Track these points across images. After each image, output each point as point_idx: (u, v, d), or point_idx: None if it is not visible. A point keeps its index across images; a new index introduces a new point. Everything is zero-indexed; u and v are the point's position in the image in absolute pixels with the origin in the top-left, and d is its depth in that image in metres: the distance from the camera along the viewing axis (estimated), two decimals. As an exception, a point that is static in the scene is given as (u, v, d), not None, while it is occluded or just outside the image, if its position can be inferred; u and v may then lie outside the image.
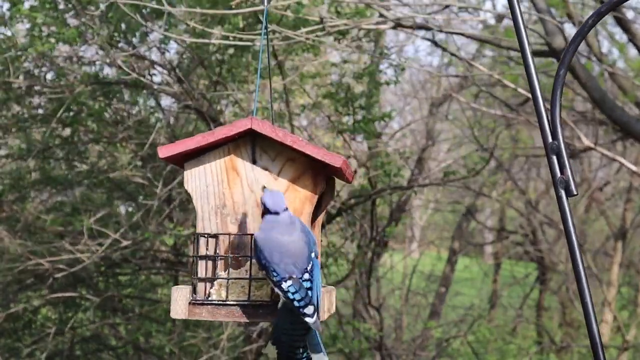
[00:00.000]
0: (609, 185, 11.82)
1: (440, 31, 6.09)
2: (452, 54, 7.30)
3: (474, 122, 9.10)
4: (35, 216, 7.35)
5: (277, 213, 1.90)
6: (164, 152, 1.97)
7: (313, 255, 1.93)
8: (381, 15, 5.69)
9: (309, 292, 1.89)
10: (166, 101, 7.76)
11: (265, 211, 1.91)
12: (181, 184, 6.83)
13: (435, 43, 6.58)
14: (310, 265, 1.91)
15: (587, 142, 7.12)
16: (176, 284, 8.18)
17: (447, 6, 6.08)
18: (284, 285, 1.87)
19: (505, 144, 9.84)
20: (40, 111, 7.14)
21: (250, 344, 7.21)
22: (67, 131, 7.34)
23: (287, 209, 1.92)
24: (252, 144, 2.01)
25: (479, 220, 12.07)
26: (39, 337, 7.65)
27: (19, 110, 7.12)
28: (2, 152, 7.64)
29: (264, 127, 1.96)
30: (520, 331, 11.76)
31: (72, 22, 6.42)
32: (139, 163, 7.04)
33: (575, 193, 1.68)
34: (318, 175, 2.01)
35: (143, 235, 6.57)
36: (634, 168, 7.88)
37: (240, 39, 5.51)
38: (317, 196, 2.01)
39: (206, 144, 1.98)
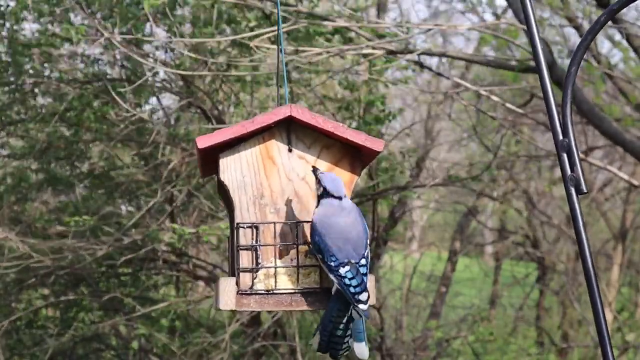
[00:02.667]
0: (609, 186, 11.82)
1: (430, 54, 6.18)
2: (438, 74, 7.39)
3: (475, 122, 9.10)
4: (37, 217, 7.35)
5: (340, 198, 1.88)
6: (202, 142, 1.94)
7: (368, 241, 1.92)
8: (370, 40, 5.75)
9: (364, 277, 1.85)
10: (167, 101, 7.77)
11: (324, 194, 1.88)
12: (183, 183, 6.84)
13: (421, 65, 6.65)
14: (366, 251, 1.89)
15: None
16: (177, 284, 8.19)
17: (437, 24, 6.18)
18: (342, 270, 1.84)
19: (506, 144, 9.83)
20: (43, 110, 7.14)
21: (253, 345, 7.21)
22: (69, 131, 7.35)
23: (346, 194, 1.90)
24: (287, 132, 1.99)
25: (479, 220, 12.06)
26: (41, 337, 7.64)
27: (21, 109, 7.13)
28: (4, 151, 7.64)
29: (304, 114, 1.96)
30: (520, 331, 11.76)
31: (75, 20, 6.44)
32: (141, 162, 7.05)
33: (585, 191, 1.68)
34: (355, 160, 2.01)
35: (145, 235, 6.56)
36: (626, 177, 7.92)
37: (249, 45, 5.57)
38: (355, 181, 2.00)
39: (244, 133, 1.96)
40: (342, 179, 1.93)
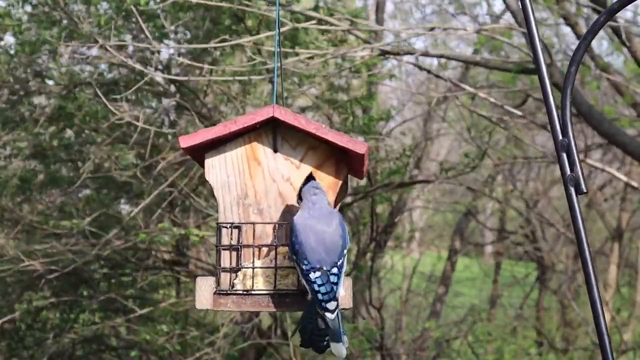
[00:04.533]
0: (608, 186, 11.82)
1: (426, 55, 6.19)
2: (437, 76, 7.39)
3: (470, 124, 9.12)
4: (33, 218, 7.35)
5: (322, 204, 1.89)
6: (185, 141, 1.95)
7: (345, 251, 1.91)
8: (366, 42, 5.76)
9: (334, 287, 1.86)
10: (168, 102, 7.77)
11: (308, 200, 1.90)
12: (180, 184, 6.84)
13: (419, 67, 6.65)
14: (341, 261, 1.89)
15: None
16: (178, 284, 8.19)
17: (432, 28, 6.20)
18: (312, 275, 1.85)
19: (504, 145, 9.85)
20: (47, 109, 7.15)
21: (245, 341, 7.22)
22: (70, 132, 7.35)
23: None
24: (273, 133, 1.99)
25: (479, 220, 12.07)
26: (41, 338, 7.65)
27: (24, 110, 7.14)
28: (5, 151, 7.64)
29: (286, 115, 1.95)
30: (520, 331, 11.77)
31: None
32: (140, 163, 7.05)
33: (585, 191, 1.68)
34: (340, 162, 2.00)
35: (143, 236, 6.56)
36: (624, 179, 7.93)
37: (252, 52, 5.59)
38: (340, 183, 2.00)
39: (227, 133, 1.96)
40: (324, 185, 1.94)
